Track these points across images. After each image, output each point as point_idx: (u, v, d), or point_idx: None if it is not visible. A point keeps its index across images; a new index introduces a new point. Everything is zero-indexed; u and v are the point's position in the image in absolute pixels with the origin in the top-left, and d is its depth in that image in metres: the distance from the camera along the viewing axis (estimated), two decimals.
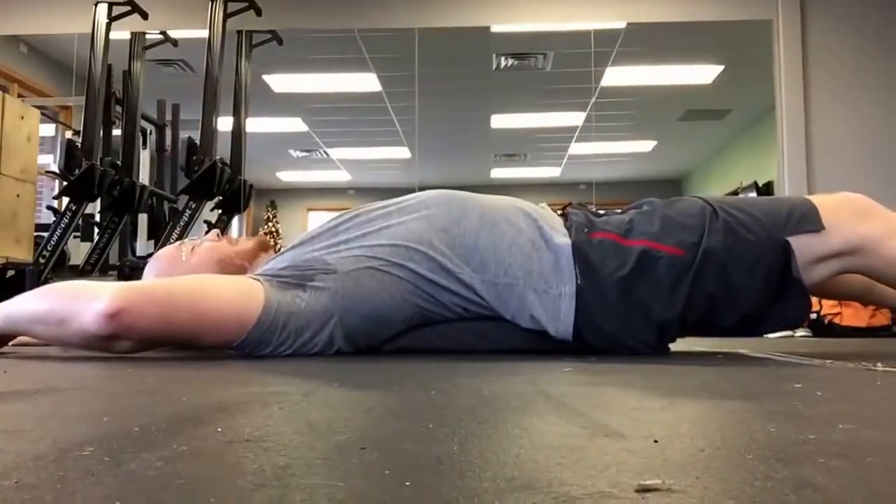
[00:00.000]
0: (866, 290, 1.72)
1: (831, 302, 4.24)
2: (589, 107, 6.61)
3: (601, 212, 1.61)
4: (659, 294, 1.42)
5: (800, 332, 4.30)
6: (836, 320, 4.21)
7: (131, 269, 4.64)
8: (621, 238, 1.46)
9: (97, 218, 5.19)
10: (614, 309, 1.42)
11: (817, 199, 1.50)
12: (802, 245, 1.42)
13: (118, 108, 5.13)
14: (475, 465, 0.41)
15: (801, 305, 1.44)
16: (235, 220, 6.24)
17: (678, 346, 1.72)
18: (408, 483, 0.37)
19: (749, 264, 1.41)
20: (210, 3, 4.79)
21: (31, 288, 4.52)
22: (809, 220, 1.43)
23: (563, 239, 1.47)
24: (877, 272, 1.48)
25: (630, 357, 1.41)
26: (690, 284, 1.41)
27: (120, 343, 1.28)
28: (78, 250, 5.11)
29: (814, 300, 3.95)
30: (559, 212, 1.60)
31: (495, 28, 5.76)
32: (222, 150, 4.87)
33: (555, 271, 1.44)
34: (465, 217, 1.50)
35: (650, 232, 1.45)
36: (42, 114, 4.82)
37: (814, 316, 4.30)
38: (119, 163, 4.88)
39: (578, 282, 1.43)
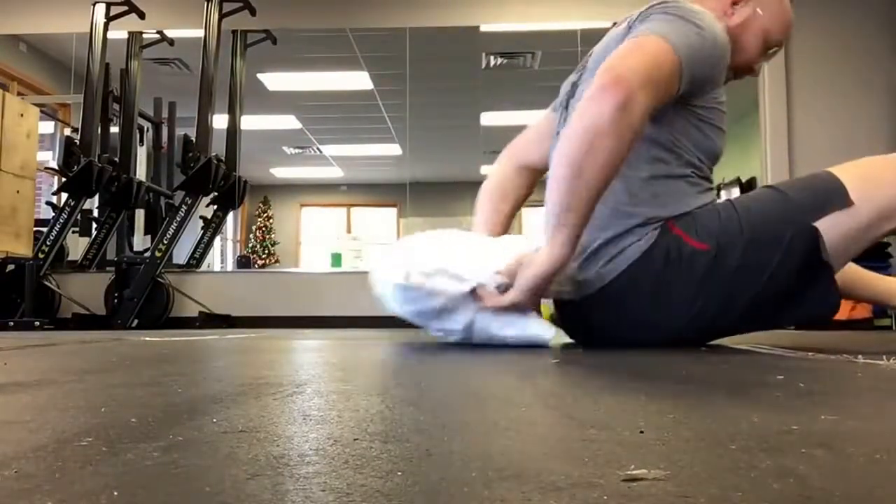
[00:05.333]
0: (850, 287, 1.73)
1: None
2: None
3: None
4: (682, 283, 1.48)
5: None
6: None
7: (129, 265, 4.74)
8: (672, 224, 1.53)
9: (95, 213, 5.26)
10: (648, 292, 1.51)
11: (865, 168, 1.48)
12: (835, 227, 1.42)
13: (116, 106, 5.19)
14: (464, 456, 0.42)
15: (829, 292, 1.45)
16: (230, 216, 6.32)
17: None
18: (399, 473, 0.37)
19: (774, 252, 1.44)
20: (206, 4, 4.86)
21: (30, 282, 4.56)
22: (835, 199, 1.43)
23: None
24: None
25: (616, 349, 1.43)
26: (717, 276, 1.46)
27: None
28: (76, 245, 5.17)
29: None
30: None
31: (485, 28, 5.83)
32: (217, 147, 4.95)
33: None
34: None
35: (684, 226, 1.51)
36: (41, 111, 4.86)
37: None
38: (117, 159, 4.95)
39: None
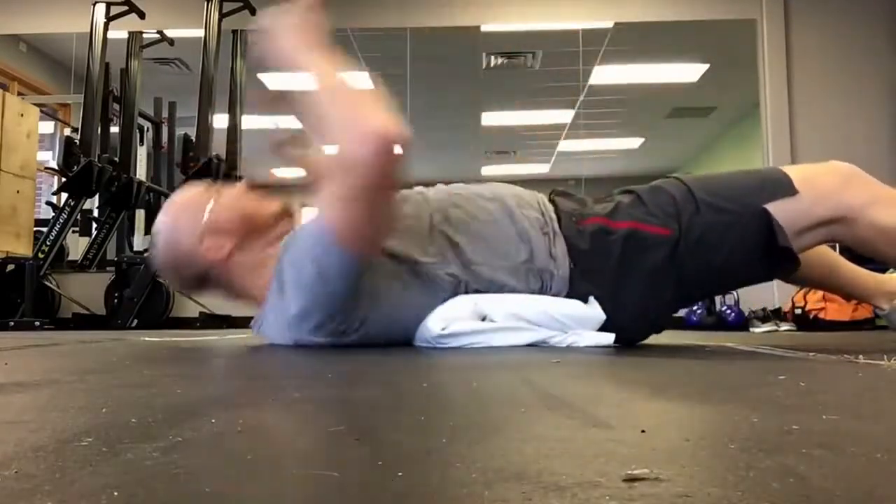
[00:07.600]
0: (827, 275, 1.73)
1: (816, 297, 4.30)
2: (577, 104, 6.69)
3: (587, 198, 1.65)
4: (649, 273, 1.47)
5: (784, 326, 4.42)
6: (821, 315, 4.30)
7: (129, 265, 4.74)
8: (609, 221, 1.51)
9: (95, 213, 5.25)
10: (606, 290, 1.48)
11: (804, 168, 1.53)
12: (782, 213, 1.44)
13: (116, 106, 5.18)
14: (464, 457, 0.42)
15: (790, 270, 1.48)
16: None
17: (665, 338, 1.72)
18: (399, 473, 0.38)
19: (732, 235, 1.46)
20: (206, 4, 4.87)
21: (30, 282, 4.53)
22: (782, 187, 1.46)
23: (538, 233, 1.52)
24: (861, 241, 1.47)
25: (617, 348, 1.43)
26: (678, 262, 1.47)
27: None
28: (76, 245, 5.17)
29: (799, 295, 4.04)
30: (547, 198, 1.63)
31: (485, 28, 5.84)
32: (218, 147, 4.95)
33: (548, 259, 1.51)
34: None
35: (635, 214, 1.50)
36: (41, 111, 4.88)
37: (799, 311, 4.41)
38: (117, 159, 4.94)
39: (572, 267, 1.50)
